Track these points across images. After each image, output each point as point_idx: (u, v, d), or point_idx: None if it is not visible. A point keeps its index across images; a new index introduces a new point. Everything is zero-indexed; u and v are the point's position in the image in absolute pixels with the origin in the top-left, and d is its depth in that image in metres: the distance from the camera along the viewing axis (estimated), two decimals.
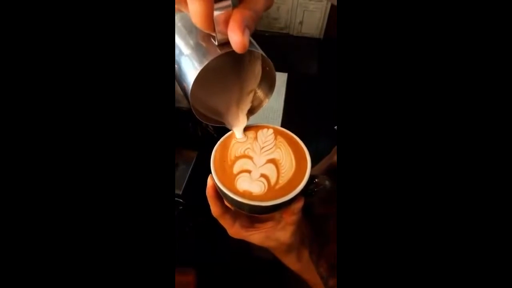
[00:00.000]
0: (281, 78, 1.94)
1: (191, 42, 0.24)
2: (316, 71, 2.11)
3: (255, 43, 0.26)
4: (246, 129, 0.33)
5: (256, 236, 0.32)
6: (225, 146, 0.32)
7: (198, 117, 0.30)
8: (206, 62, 0.22)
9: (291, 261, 0.35)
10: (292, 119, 1.70)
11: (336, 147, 0.47)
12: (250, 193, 0.29)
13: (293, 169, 0.31)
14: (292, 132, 0.34)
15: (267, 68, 0.30)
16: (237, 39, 0.19)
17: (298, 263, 0.35)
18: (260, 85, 0.32)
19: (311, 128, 1.68)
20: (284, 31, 2.29)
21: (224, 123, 0.32)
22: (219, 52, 0.22)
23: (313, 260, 0.35)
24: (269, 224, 0.32)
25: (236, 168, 0.30)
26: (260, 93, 0.33)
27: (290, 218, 0.30)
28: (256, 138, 0.33)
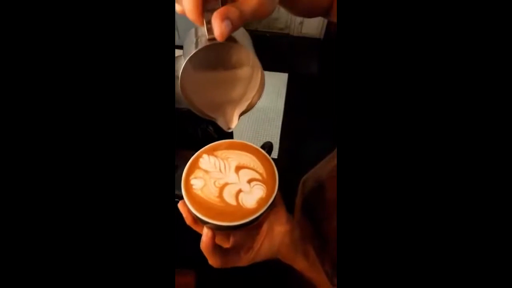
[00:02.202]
0: (281, 78, 1.94)
1: (194, 40, 0.27)
2: (316, 71, 2.11)
3: (249, 44, 0.27)
4: (191, 174, 0.32)
5: (263, 248, 0.32)
6: (196, 201, 0.30)
7: (190, 106, 0.30)
8: (195, 51, 0.25)
9: (299, 261, 0.35)
10: (293, 119, 1.70)
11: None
12: (261, 199, 0.29)
13: (256, 157, 0.32)
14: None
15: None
16: (217, 27, 0.21)
17: (306, 261, 0.35)
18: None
19: (311, 128, 1.68)
20: (285, 31, 2.29)
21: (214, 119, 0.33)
22: (207, 43, 0.25)
23: (318, 258, 0.35)
24: (265, 226, 0.32)
25: (230, 200, 0.29)
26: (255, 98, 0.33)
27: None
28: (205, 171, 0.31)
